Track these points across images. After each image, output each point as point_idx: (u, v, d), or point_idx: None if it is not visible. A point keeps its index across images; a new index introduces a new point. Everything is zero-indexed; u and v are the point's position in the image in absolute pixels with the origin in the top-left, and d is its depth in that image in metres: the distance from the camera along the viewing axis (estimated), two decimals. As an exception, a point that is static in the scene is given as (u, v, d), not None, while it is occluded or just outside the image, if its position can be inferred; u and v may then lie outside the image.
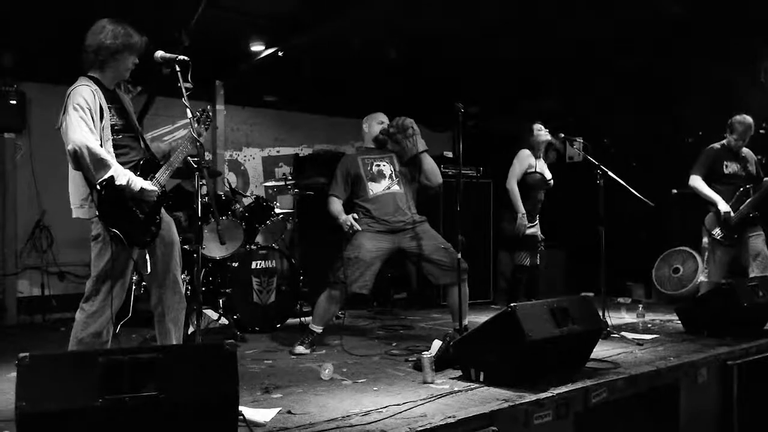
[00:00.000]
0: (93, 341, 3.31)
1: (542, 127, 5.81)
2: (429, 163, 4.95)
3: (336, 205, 4.92)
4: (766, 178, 5.69)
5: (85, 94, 3.28)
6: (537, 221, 5.82)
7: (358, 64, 7.44)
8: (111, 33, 3.37)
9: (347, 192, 5.00)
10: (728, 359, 4.35)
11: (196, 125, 3.41)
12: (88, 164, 3.19)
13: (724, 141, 5.78)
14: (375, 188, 4.92)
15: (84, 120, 3.22)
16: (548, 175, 5.82)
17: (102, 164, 3.20)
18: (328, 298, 4.77)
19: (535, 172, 5.69)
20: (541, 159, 5.83)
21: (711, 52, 7.01)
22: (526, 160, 5.69)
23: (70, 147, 3.20)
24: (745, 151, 5.81)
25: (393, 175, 4.97)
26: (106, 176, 3.19)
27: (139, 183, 3.32)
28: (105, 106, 3.36)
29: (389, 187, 4.92)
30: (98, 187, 3.19)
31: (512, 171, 5.69)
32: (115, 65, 3.44)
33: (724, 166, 5.71)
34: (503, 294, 7.39)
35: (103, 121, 3.33)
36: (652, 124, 7.71)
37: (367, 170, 4.97)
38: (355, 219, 4.78)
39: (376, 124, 5.12)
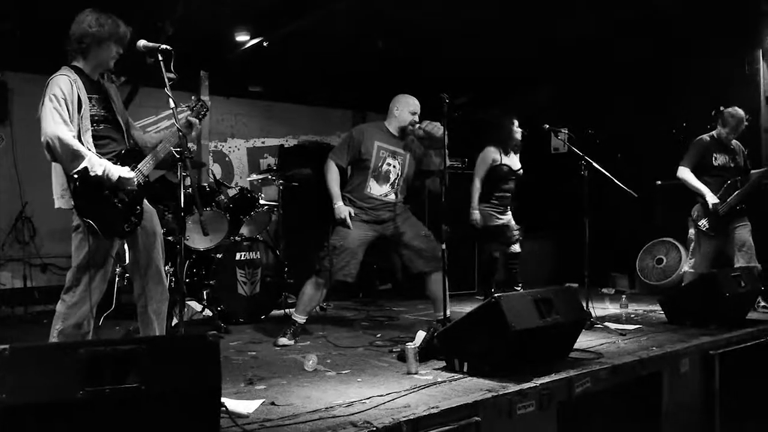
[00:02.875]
0: (73, 332, 3.30)
1: (516, 123, 6.10)
2: (437, 183, 4.88)
3: (333, 174, 4.75)
4: (753, 171, 5.72)
5: (61, 84, 3.24)
6: (509, 211, 6.11)
7: (344, 54, 7.40)
8: (95, 21, 3.35)
9: (347, 162, 4.86)
10: (710, 349, 4.38)
11: (189, 113, 3.39)
12: (61, 155, 3.16)
13: (714, 133, 5.77)
14: (374, 189, 4.82)
15: (58, 111, 3.19)
16: (516, 165, 6.10)
17: (75, 155, 3.17)
18: (313, 286, 4.75)
19: (501, 164, 5.97)
20: (512, 152, 6.09)
21: (696, 44, 7.04)
22: (489, 157, 6.01)
23: (42, 138, 3.19)
24: (734, 143, 5.81)
25: (396, 181, 4.87)
26: (80, 167, 3.16)
27: (116, 172, 3.28)
28: (84, 96, 3.32)
29: (386, 195, 4.84)
30: (74, 177, 3.17)
31: (476, 169, 6.07)
32: (98, 54, 3.40)
33: (714, 158, 5.71)
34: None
35: (82, 111, 3.30)
36: (637, 115, 7.73)
37: (377, 163, 4.80)
38: (350, 215, 4.72)
39: (408, 112, 4.82)
